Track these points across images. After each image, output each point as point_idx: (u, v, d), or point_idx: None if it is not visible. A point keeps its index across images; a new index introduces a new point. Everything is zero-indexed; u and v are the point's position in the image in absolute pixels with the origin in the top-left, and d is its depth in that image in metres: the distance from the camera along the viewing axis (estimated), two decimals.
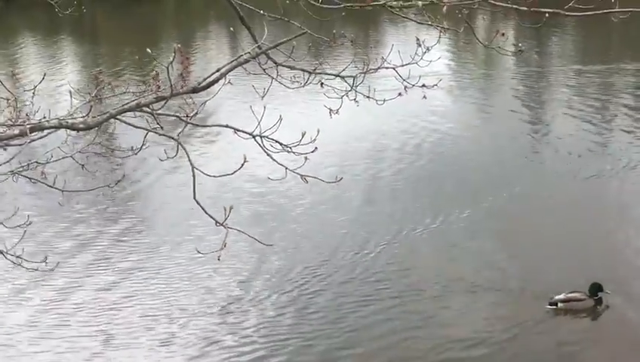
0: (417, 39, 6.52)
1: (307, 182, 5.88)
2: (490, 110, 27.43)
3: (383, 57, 6.64)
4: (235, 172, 5.74)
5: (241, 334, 13.40)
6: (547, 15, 6.39)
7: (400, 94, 6.87)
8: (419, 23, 6.43)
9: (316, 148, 5.86)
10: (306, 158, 5.79)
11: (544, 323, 13.36)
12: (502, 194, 18.78)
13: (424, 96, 7.35)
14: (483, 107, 27.82)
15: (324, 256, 15.95)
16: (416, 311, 13.89)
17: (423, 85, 6.94)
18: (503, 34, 6.99)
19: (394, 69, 6.63)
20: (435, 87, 7.33)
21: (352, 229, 17.24)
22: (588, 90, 28.84)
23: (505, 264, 15.32)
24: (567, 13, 6.59)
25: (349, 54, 22.40)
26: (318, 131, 5.91)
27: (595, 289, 13.69)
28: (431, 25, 6.31)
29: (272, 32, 6.43)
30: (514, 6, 6.03)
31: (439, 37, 6.65)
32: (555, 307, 13.55)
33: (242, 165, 5.43)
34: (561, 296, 13.60)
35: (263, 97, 6.31)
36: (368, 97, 6.72)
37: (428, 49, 6.58)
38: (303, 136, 5.89)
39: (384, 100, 6.71)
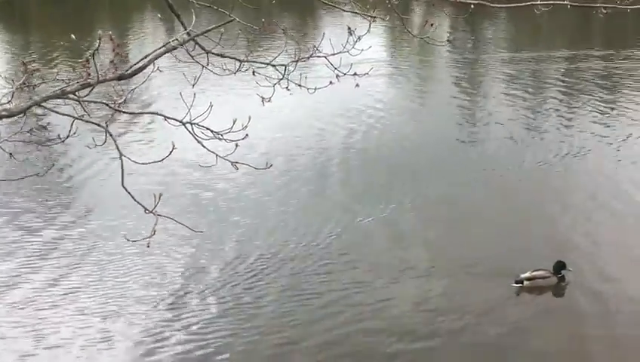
0: (349, 28, 6.63)
1: (237, 168, 5.93)
2: (429, 97, 27.85)
3: (315, 46, 6.72)
4: (163, 159, 5.74)
5: (187, 330, 12.97)
6: (472, 7, 6.57)
7: (331, 82, 6.97)
8: (346, 12, 6.53)
9: (247, 135, 5.90)
10: (236, 145, 5.83)
11: (510, 300, 13.79)
12: (449, 181, 18.97)
13: (357, 85, 7.48)
14: (421, 95, 28.22)
15: (273, 249, 15.71)
16: (370, 300, 13.81)
17: (355, 74, 7.04)
18: (432, 24, 7.15)
19: (325, 57, 6.72)
20: (367, 75, 7.45)
21: (299, 220, 17.10)
22: (521, 76, 29.68)
23: (463, 248, 15.52)
24: (492, 4, 6.79)
25: (283, 43, 22.34)
26: (250, 118, 5.95)
27: (559, 266, 14.32)
28: (358, 13, 6.42)
29: (207, 19, 6.42)
30: None
31: (369, 26, 6.77)
32: (521, 285, 14.07)
33: (171, 152, 5.44)
34: (527, 274, 14.12)
35: (193, 85, 6.32)
36: (300, 86, 6.80)
37: (359, 38, 6.68)
38: (234, 124, 5.92)
39: (315, 88, 6.79)
